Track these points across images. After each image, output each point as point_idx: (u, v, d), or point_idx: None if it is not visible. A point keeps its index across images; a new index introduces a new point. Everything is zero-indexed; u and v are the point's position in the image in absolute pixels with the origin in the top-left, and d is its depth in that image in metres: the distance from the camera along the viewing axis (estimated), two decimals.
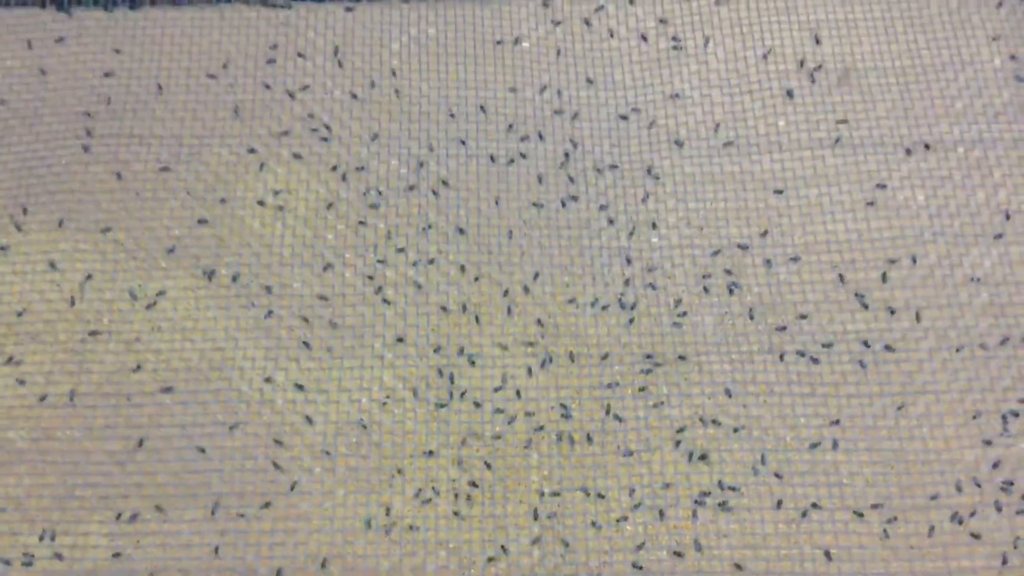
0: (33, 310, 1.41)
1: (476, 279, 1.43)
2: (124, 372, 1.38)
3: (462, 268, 1.43)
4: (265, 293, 1.42)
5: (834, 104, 1.53)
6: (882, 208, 1.46)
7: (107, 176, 1.49)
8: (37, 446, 1.34)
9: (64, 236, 1.45)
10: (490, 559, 1.28)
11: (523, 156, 1.50)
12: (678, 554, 1.28)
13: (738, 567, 1.28)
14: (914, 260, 1.43)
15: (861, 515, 1.30)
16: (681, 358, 1.38)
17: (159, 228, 1.46)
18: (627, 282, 1.42)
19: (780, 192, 1.47)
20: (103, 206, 1.47)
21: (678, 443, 1.34)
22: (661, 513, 1.30)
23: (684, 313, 1.40)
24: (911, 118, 1.51)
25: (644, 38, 1.59)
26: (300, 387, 1.37)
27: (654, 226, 1.45)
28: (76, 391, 1.37)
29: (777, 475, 1.32)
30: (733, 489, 1.32)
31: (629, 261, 1.43)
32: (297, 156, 1.50)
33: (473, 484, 1.32)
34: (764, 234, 1.45)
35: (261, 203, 1.47)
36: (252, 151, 1.50)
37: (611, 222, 1.46)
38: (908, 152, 1.49)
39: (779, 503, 1.31)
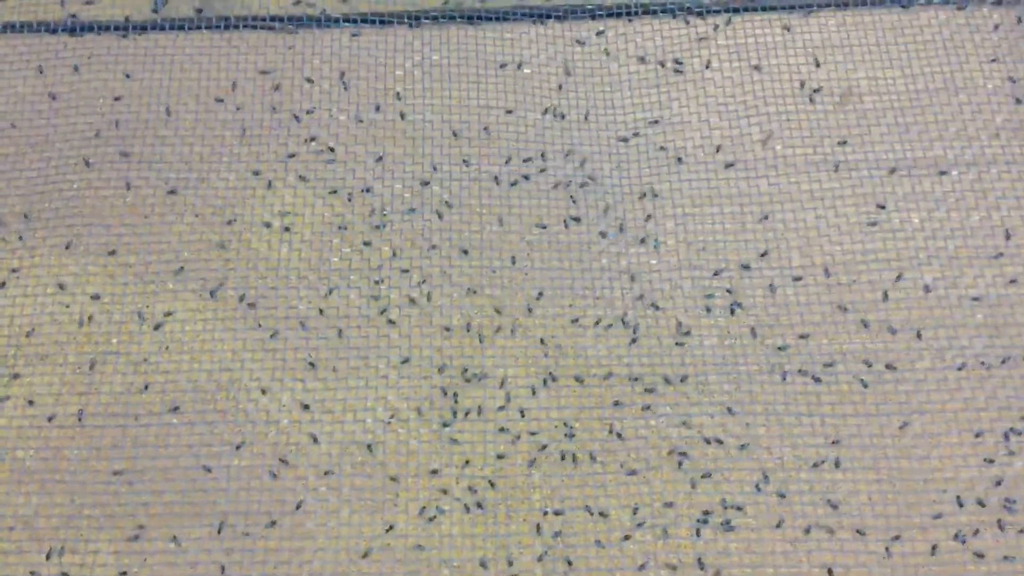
0: (42, 331, 1.43)
1: (479, 299, 1.44)
2: (132, 392, 1.39)
3: (466, 289, 1.45)
4: (271, 314, 1.44)
5: (833, 126, 1.54)
6: (882, 228, 1.47)
7: (116, 199, 1.51)
8: (46, 465, 1.36)
9: (73, 258, 1.47)
10: (492, 574, 1.29)
11: (526, 177, 1.52)
12: (681, 573, 1.29)
13: None
14: (914, 280, 1.44)
15: (863, 534, 1.30)
16: (683, 378, 1.39)
17: (167, 250, 1.48)
18: (629, 302, 1.44)
19: (780, 213, 1.48)
20: (112, 228, 1.49)
21: (680, 462, 1.35)
22: (664, 531, 1.31)
23: (686, 333, 1.42)
24: (909, 139, 1.53)
25: (643, 60, 1.61)
26: (305, 407, 1.38)
27: (656, 247, 1.47)
28: (84, 411, 1.38)
29: (779, 494, 1.33)
30: (735, 508, 1.32)
31: (632, 281, 1.45)
32: (303, 178, 1.52)
33: (478, 504, 1.33)
34: (765, 254, 1.46)
35: (267, 225, 1.49)
36: (258, 173, 1.53)
37: (613, 243, 1.47)
38: (907, 173, 1.51)
39: (781, 522, 1.31)
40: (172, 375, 1.41)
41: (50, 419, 1.38)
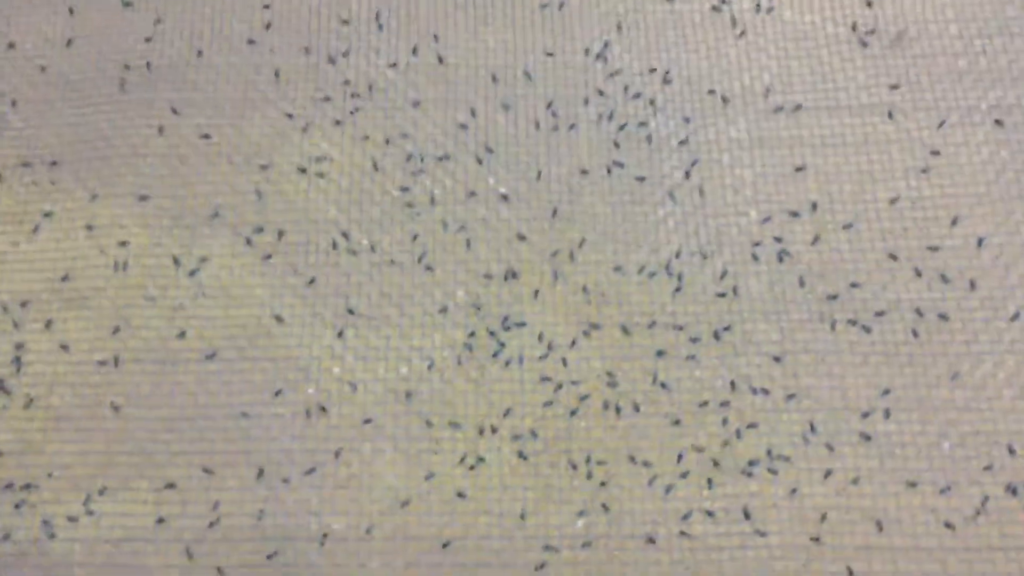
0: (77, 276, 1.41)
1: (520, 247, 1.41)
2: (168, 338, 1.37)
3: (505, 236, 1.42)
4: (308, 260, 1.41)
5: (887, 68, 1.49)
6: (936, 175, 1.43)
7: (148, 144, 1.48)
8: (81, 412, 1.34)
9: (106, 204, 1.44)
10: (536, 528, 1.27)
11: (568, 122, 1.48)
12: (725, 522, 1.27)
13: (786, 536, 1.26)
14: (968, 229, 1.39)
15: (913, 485, 1.28)
16: (729, 327, 1.36)
17: (200, 196, 1.45)
18: (674, 250, 1.40)
19: (831, 159, 1.44)
20: (144, 174, 1.46)
21: (726, 413, 1.32)
22: (708, 481, 1.29)
23: (733, 281, 1.38)
24: (967, 82, 1.48)
25: (690, 0, 1.56)
26: (342, 354, 1.36)
27: (702, 193, 1.43)
28: (121, 357, 1.36)
29: (827, 445, 1.30)
30: (782, 458, 1.30)
31: (677, 228, 1.41)
32: (338, 123, 1.49)
33: (519, 453, 1.31)
34: (814, 201, 1.42)
35: (302, 170, 1.46)
36: (291, 117, 1.49)
37: (657, 189, 1.43)
38: (964, 117, 1.46)
39: (829, 472, 1.29)
40: (208, 321, 1.38)
41: (85, 365, 1.36)
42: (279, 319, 1.38)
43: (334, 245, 1.41)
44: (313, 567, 1.26)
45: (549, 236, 1.42)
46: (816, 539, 1.26)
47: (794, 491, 1.28)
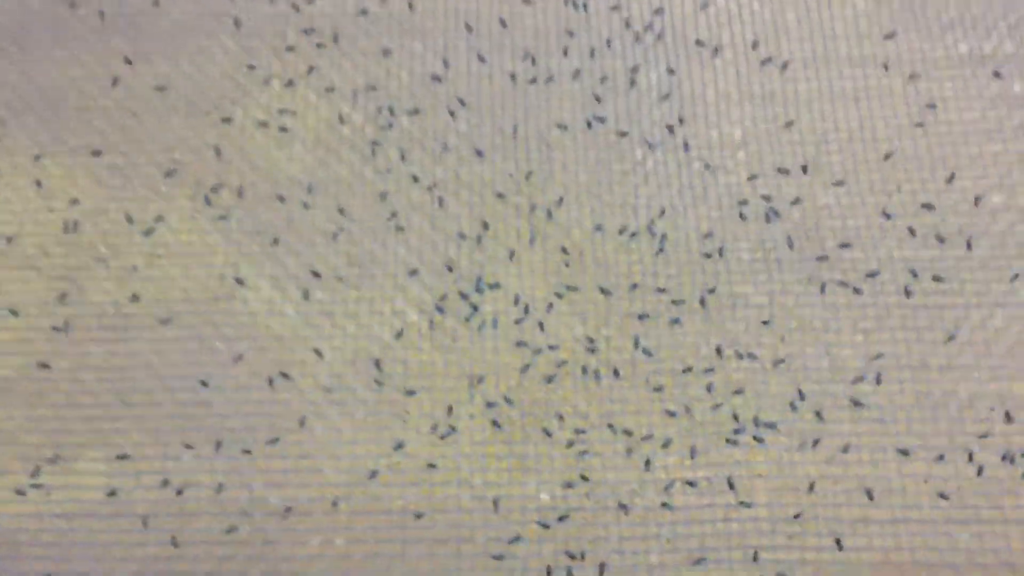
0: (25, 236, 1.33)
1: (495, 205, 1.34)
2: (121, 302, 1.30)
3: (480, 193, 1.34)
4: (271, 219, 1.33)
5: (881, 19, 1.42)
6: (932, 129, 1.36)
7: (101, 96, 1.40)
8: (30, 378, 1.27)
9: (56, 160, 1.36)
10: (512, 499, 1.21)
11: (546, 74, 1.40)
12: (709, 493, 1.21)
13: (773, 507, 1.20)
14: (964, 186, 1.33)
15: (906, 454, 1.22)
16: (714, 290, 1.29)
17: (157, 151, 1.37)
18: (657, 209, 1.33)
19: (821, 113, 1.37)
20: (97, 126, 1.38)
21: (710, 379, 1.25)
22: (692, 451, 1.23)
23: (718, 242, 1.31)
24: (963, 32, 1.41)
25: None
26: (308, 317, 1.29)
27: (686, 149, 1.36)
28: (71, 323, 1.29)
29: (816, 412, 1.24)
30: (768, 426, 1.23)
31: (660, 186, 1.34)
32: (303, 73, 1.40)
33: (493, 421, 1.24)
34: (804, 158, 1.35)
35: (264, 124, 1.37)
36: (253, 68, 1.41)
37: (640, 144, 1.36)
38: (960, 69, 1.39)
39: (817, 441, 1.23)
40: (164, 284, 1.31)
41: (34, 331, 1.28)
42: (240, 282, 1.30)
43: (299, 203, 1.33)
44: (275, 543, 1.20)
45: (525, 194, 1.34)
46: (803, 511, 1.20)
47: (781, 460, 1.22)
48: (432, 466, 1.22)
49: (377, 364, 1.26)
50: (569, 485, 1.21)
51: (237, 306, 1.29)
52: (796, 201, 1.33)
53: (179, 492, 1.21)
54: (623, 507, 1.20)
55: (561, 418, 1.24)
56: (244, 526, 1.20)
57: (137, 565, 1.19)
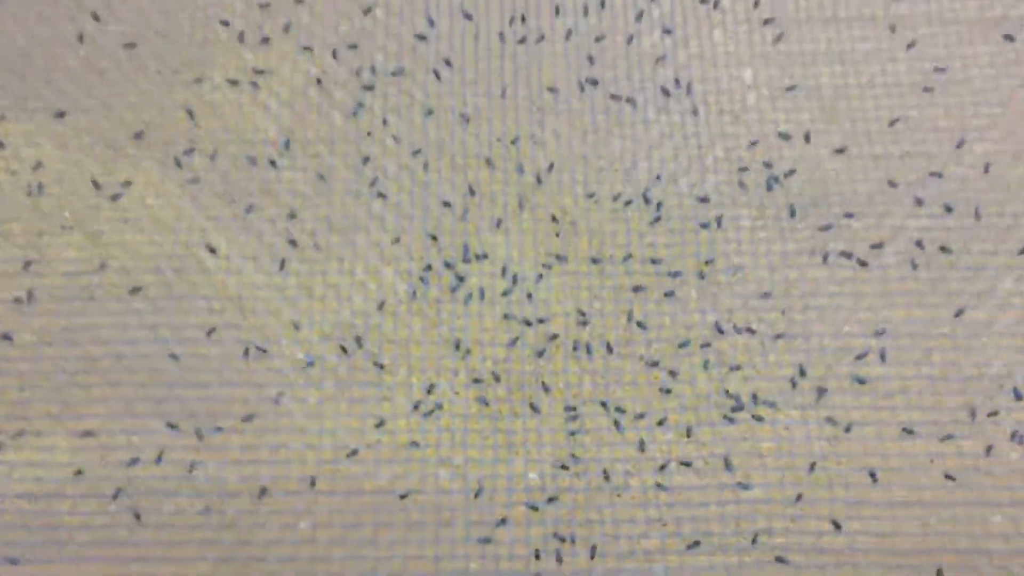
0: None
1: (482, 171, 1.27)
2: (87, 271, 1.23)
3: (466, 159, 1.28)
4: (245, 185, 1.26)
5: None
6: (940, 94, 1.30)
7: (66, 53, 1.32)
8: None
9: (18, 120, 1.29)
10: (498, 479, 1.15)
11: (536, 33, 1.33)
12: (706, 474, 1.15)
13: (772, 488, 1.14)
14: (974, 153, 1.27)
15: (911, 432, 1.16)
16: (711, 261, 1.23)
17: (125, 111, 1.29)
18: (652, 176, 1.27)
19: (825, 76, 1.31)
20: (61, 86, 1.30)
21: (707, 354, 1.20)
22: (687, 430, 1.17)
23: (717, 210, 1.25)
24: None
25: None
26: (285, 288, 1.22)
27: (684, 113, 1.29)
28: (34, 292, 1.22)
29: (818, 389, 1.18)
30: (768, 404, 1.18)
31: (655, 152, 1.27)
32: (279, 31, 1.33)
33: (480, 398, 1.18)
34: (807, 122, 1.29)
35: (239, 84, 1.30)
36: (227, 24, 1.33)
37: (635, 108, 1.29)
38: (971, 32, 1.32)
39: (819, 419, 1.17)
40: (132, 252, 1.24)
41: None
42: (212, 250, 1.23)
43: (276, 168, 1.27)
44: (250, 523, 1.14)
45: (514, 160, 1.28)
46: (804, 492, 1.14)
47: (781, 440, 1.16)
48: (415, 444, 1.16)
49: (357, 338, 1.20)
50: (559, 465, 1.15)
51: (209, 276, 1.22)
52: (798, 168, 1.26)
53: (148, 471, 1.15)
54: (616, 488, 1.14)
55: (550, 394, 1.18)
56: (217, 506, 1.14)
57: (103, 549, 1.12)
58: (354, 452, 1.16)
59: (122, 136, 1.28)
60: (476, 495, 1.14)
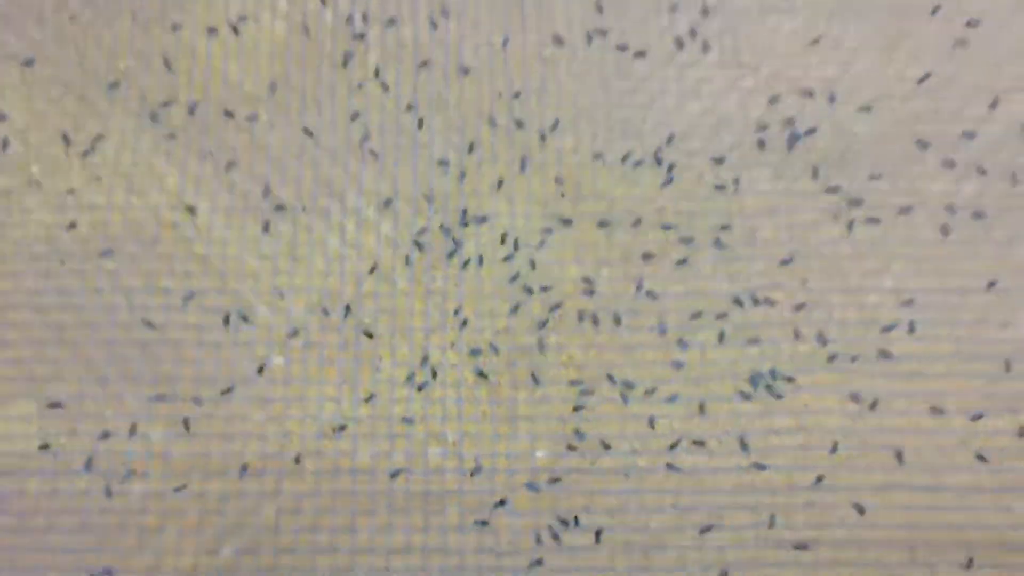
0: None
1: (482, 128, 1.18)
2: (55, 230, 1.14)
3: (465, 115, 1.19)
4: (226, 140, 1.17)
5: None
6: (973, 49, 1.21)
7: None
8: None
9: None
10: (498, 458, 1.07)
11: None
12: (719, 454, 1.07)
13: (790, 470, 1.07)
14: (1009, 112, 1.18)
15: (940, 411, 1.09)
16: (727, 226, 1.15)
17: (98, 61, 1.20)
18: (664, 134, 1.18)
19: (851, 29, 1.22)
20: (30, 33, 1.21)
21: (723, 326, 1.11)
22: (700, 407, 1.09)
23: (734, 171, 1.16)
24: None
25: None
26: (269, 252, 1.13)
27: (699, 66, 1.20)
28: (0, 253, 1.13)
29: (841, 363, 1.10)
30: (787, 379, 1.10)
31: (668, 108, 1.19)
32: None
33: (478, 371, 1.10)
34: (832, 78, 1.20)
35: (219, 32, 1.21)
36: None
37: (647, 61, 1.20)
38: None
39: (842, 396, 1.09)
40: (105, 211, 1.15)
41: None
42: (191, 210, 1.15)
43: (258, 123, 1.18)
44: (229, 503, 1.06)
45: (516, 116, 1.19)
46: (824, 475, 1.07)
47: (800, 418, 1.08)
48: (408, 420, 1.08)
49: (347, 306, 1.12)
50: (562, 443, 1.07)
51: (187, 238, 1.14)
52: (821, 127, 1.18)
53: (120, 446, 1.07)
54: (623, 468, 1.06)
55: (553, 367, 1.10)
56: (194, 485, 1.06)
57: (72, 526, 1.05)
58: (342, 428, 1.08)
59: (94, 87, 1.19)
60: (472, 474, 1.07)
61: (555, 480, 1.06)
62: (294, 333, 1.11)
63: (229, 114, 1.18)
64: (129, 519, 1.05)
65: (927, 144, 1.18)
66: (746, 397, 1.09)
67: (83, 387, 1.09)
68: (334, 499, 1.06)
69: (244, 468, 1.07)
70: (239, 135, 1.18)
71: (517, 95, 1.19)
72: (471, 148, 1.17)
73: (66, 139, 1.17)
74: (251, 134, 1.18)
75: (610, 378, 1.10)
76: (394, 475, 1.07)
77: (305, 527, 1.05)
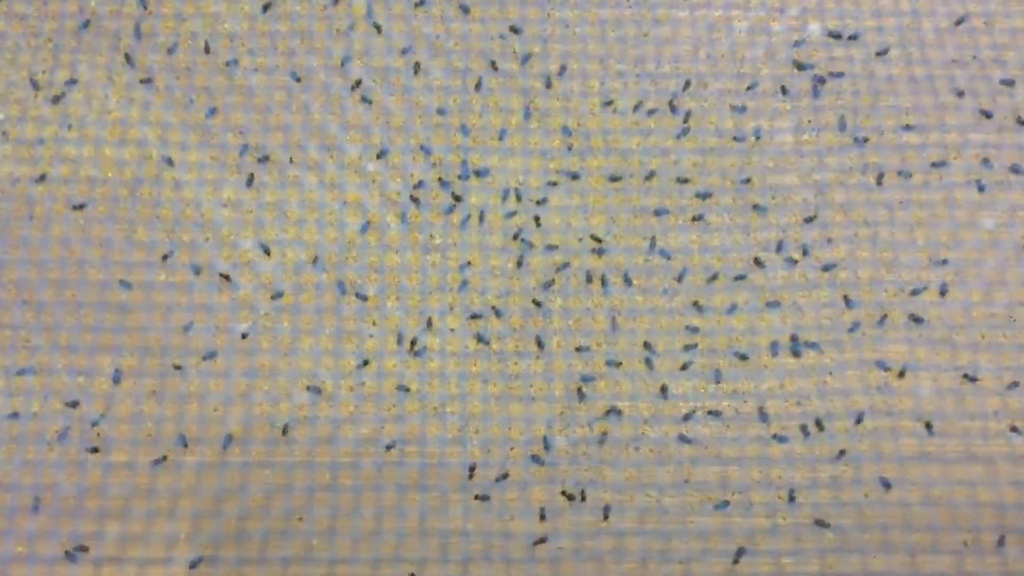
0: None
1: (482, 72, 1.10)
2: (23, 182, 1.06)
3: (465, 59, 1.10)
4: (207, 85, 1.09)
5: None
6: None
7: None
8: None
9: None
10: (497, 430, 1.00)
11: None
12: (736, 424, 1.00)
13: (812, 442, 1.00)
14: None
15: (973, 380, 1.01)
16: (748, 180, 1.07)
17: None
18: (680, 80, 1.09)
19: None
20: None
21: (741, 287, 1.04)
22: (717, 374, 1.02)
23: (754, 121, 1.08)
24: None
25: None
26: (253, 207, 1.05)
27: (718, 7, 1.11)
28: None
29: (867, 328, 1.03)
30: (809, 344, 1.02)
31: (684, 52, 1.10)
32: None
33: (478, 336, 1.02)
34: (860, 19, 1.11)
35: None
36: None
37: (662, 0, 1.12)
38: None
39: (867, 363, 1.02)
40: (77, 162, 1.07)
41: None
42: (169, 162, 1.07)
43: (242, 67, 1.09)
44: (211, 476, 0.99)
45: (520, 60, 1.10)
46: (849, 447, 1.00)
47: (824, 386, 1.01)
48: (404, 388, 1.01)
49: (337, 265, 1.04)
50: (568, 414, 1.00)
51: (165, 191, 1.06)
52: (849, 73, 1.09)
53: (95, 414, 0.99)
54: (633, 440, 0.99)
55: (559, 331, 1.02)
56: (174, 456, 0.99)
57: (44, 500, 0.98)
58: (332, 397, 1.01)
59: (64, 28, 1.10)
60: (473, 446, 1.00)
61: (560, 453, 0.99)
62: (280, 294, 1.03)
63: (212, 56, 1.09)
64: (105, 492, 0.98)
65: (962, 92, 1.09)
66: (765, 365, 1.02)
67: (54, 352, 1.02)
68: (320, 473, 0.99)
69: (229, 438, 1.00)
70: (221, 79, 1.09)
71: (519, 33, 1.11)
72: (470, 95, 1.09)
73: (35, 84, 1.09)
74: (234, 78, 1.09)
75: (620, 344, 1.02)
76: (388, 447, 1.00)
77: (295, 508, 0.99)
